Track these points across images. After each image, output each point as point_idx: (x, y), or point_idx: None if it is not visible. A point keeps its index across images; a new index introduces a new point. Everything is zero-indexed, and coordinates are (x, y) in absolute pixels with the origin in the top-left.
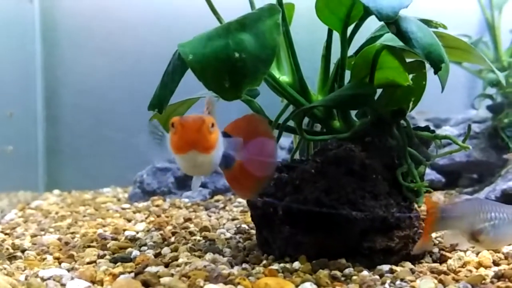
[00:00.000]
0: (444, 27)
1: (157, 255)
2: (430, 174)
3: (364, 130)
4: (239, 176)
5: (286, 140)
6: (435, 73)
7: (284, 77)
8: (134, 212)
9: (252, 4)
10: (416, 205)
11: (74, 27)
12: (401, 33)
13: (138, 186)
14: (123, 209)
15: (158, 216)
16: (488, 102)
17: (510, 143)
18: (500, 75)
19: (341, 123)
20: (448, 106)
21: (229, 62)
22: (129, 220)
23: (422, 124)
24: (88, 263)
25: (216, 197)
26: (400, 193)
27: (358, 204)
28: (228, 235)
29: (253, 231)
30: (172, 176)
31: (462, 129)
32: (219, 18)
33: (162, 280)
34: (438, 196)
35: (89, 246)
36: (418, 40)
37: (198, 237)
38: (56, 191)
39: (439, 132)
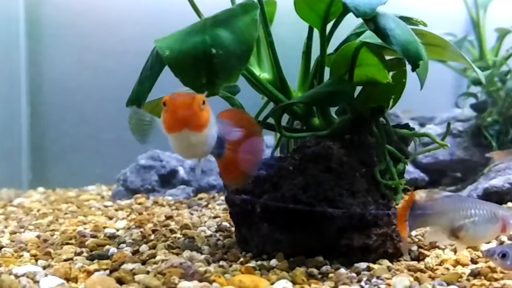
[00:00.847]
0: (424, 24)
1: (135, 252)
2: (414, 173)
3: (343, 127)
4: (230, 164)
5: (271, 138)
6: (413, 70)
7: (265, 74)
8: (116, 210)
9: (232, 0)
10: (394, 203)
11: (59, 24)
12: (379, 30)
13: (121, 184)
14: (106, 206)
15: (140, 213)
16: (472, 100)
17: (493, 142)
18: (480, 74)
19: (320, 121)
20: (434, 105)
21: (205, 59)
22: (110, 218)
23: (408, 123)
24: (65, 260)
25: (200, 195)
26: (378, 191)
27: (336, 201)
28: (209, 232)
29: (234, 229)
30: (155, 174)
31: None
32: (199, 15)
33: (137, 277)
34: (421, 195)
35: (67, 243)
36: (396, 37)
37: (178, 235)
38: (41, 189)
39: (422, 130)
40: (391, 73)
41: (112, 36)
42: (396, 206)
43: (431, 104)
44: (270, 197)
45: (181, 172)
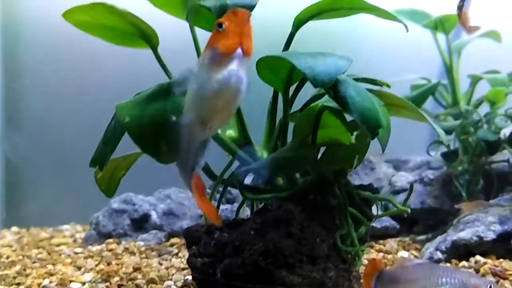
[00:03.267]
0: (388, 86)
1: None
2: (385, 221)
3: (306, 189)
4: None
5: None
6: (372, 138)
7: (231, 131)
8: (85, 258)
9: (195, 42)
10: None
11: (36, 59)
12: (338, 98)
13: (94, 228)
14: (76, 253)
15: (109, 263)
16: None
17: (463, 192)
18: (442, 134)
19: (284, 181)
20: (410, 146)
21: (165, 126)
22: (79, 268)
23: (382, 165)
24: None
25: (172, 240)
26: (339, 256)
27: (296, 268)
28: None
29: None
30: (128, 218)
31: (418, 174)
32: (167, 73)
33: None
34: (392, 244)
35: None
36: (355, 105)
37: None
38: (15, 228)
39: (394, 178)
40: (355, 133)
41: (91, 71)
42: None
43: (407, 146)
44: (230, 262)
45: (154, 216)
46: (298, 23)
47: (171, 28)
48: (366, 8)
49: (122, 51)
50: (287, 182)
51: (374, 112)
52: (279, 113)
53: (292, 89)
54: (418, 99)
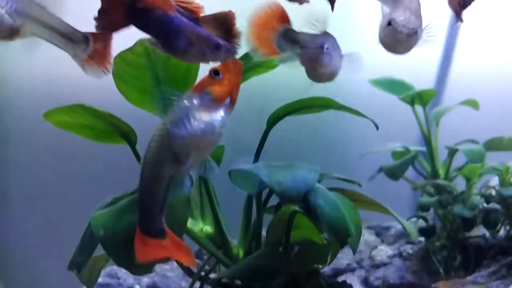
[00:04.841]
0: (359, 185)
1: None
2: None
3: None
4: None
5: None
6: (341, 247)
7: (207, 227)
8: None
9: None
10: None
11: (23, 128)
12: (308, 209)
13: None
14: None
15: None
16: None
17: (441, 268)
18: (410, 228)
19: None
20: (393, 209)
21: None
22: None
23: (365, 232)
24: None
25: None
26: None
27: None
28: None
29: None
30: None
31: (397, 248)
32: None
33: None
34: None
35: None
36: (324, 215)
37: None
38: None
39: (374, 252)
40: None
41: (78, 139)
42: None
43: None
44: None
45: None
46: (273, 120)
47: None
48: (339, 107)
49: None
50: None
51: (343, 222)
52: None
53: None
54: (397, 172)
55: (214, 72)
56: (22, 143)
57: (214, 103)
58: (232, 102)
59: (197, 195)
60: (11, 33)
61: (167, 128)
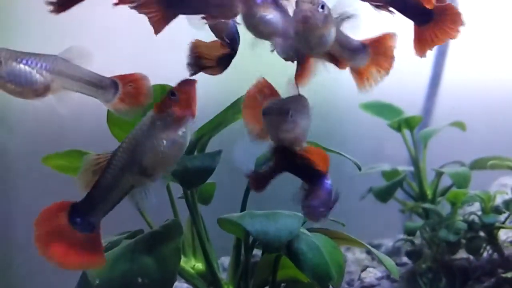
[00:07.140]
0: (343, 225)
1: None
2: None
3: None
4: None
5: None
6: None
7: (199, 264)
8: None
9: None
10: None
11: (26, 153)
12: (291, 255)
13: None
14: None
15: None
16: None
17: None
18: (393, 268)
19: None
20: (383, 229)
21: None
22: None
23: (356, 251)
24: None
25: None
26: None
27: None
28: None
29: None
30: None
31: (385, 270)
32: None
33: None
34: None
35: None
36: (306, 261)
37: None
38: None
39: (363, 275)
40: None
41: None
42: None
43: (380, 229)
44: None
45: None
46: None
47: None
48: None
49: (104, 139)
50: None
51: (325, 267)
52: None
53: None
54: (386, 195)
55: (171, 93)
56: (24, 168)
57: (175, 121)
58: (193, 115)
59: (189, 233)
60: (44, 90)
61: (136, 142)
